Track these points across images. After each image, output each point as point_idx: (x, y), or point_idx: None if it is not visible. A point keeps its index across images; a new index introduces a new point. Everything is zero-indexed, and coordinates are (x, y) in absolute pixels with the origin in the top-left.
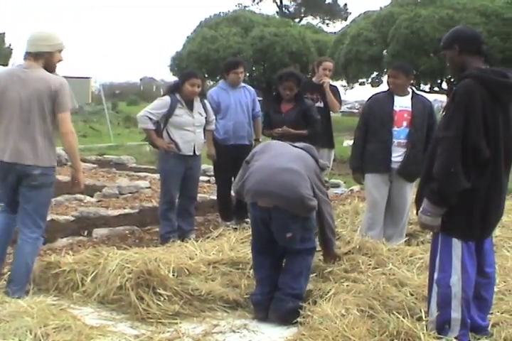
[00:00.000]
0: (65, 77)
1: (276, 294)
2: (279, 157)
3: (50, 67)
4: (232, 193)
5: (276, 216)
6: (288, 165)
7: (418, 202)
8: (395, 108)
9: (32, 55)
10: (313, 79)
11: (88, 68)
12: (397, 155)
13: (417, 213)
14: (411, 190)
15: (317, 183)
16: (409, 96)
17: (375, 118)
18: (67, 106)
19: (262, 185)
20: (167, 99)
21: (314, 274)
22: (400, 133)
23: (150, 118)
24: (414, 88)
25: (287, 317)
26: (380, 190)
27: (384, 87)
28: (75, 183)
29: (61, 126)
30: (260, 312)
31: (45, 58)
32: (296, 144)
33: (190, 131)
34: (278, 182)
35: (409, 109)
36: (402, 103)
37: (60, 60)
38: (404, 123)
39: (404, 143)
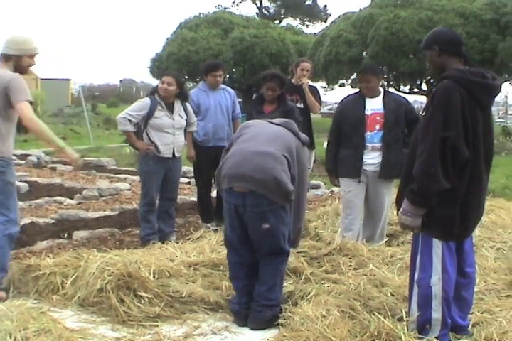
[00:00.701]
0: (45, 78)
1: (253, 305)
2: (254, 139)
3: (20, 70)
4: (213, 195)
5: (252, 202)
6: (262, 147)
7: (398, 202)
8: (366, 112)
9: (3, 57)
10: (292, 80)
11: (68, 70)
12: (372, 158)
13: (397, 214)
14: (388, 191)
15: (299, 159)
16: (381, 96)
17: (346, 123)
18: (22, 97)
19: (236, 169)
20: (147, 100)
21: (295, 276)
22: (374, 137)
23: (130, 120)
24: (393, 89)
25: (267, 326)
26: (354, 193)
27: None
28: (72, 162)
29: (21, 115)
30: (240, 321)
31: (14, 61)
32: (275, 120)
33: (170, 133)
34: (252, 165)
35: (382, 111)
36: (374, 105)
37: (30, 65)
38: (377, 127)
39: (378, 146)
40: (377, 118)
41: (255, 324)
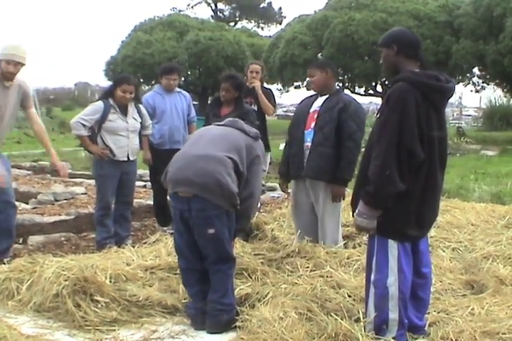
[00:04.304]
0: None
1: (209, 310)
2: (197, 143)
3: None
4: (169, 198)
5: (197, 206)
6: (205, 151)
7: (353, 204)
8: (310, 110)
9: None
10: (247, 83)
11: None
12: (305, 157)
13: (352, 215)
14: (325, 194)
15: (253, 154)
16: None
17: (292, 122)
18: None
19: (179, 173)
20: (100, 104)
21: (252, 278)
22: (307, 135)
23: (83, 125)
24: (349, 91)
25: (224, 329)
26: (296, 196)
27: None
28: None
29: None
30: (197, 324)
31: None
32: (222, 122)
33: (124, 136)
34: (194, 169)
35: (318, 109)
36: (319, 103)
37: (3, 71)
38: (312, 125)
39: (310, 145)
40: (315, 116)
41: (212, 328)
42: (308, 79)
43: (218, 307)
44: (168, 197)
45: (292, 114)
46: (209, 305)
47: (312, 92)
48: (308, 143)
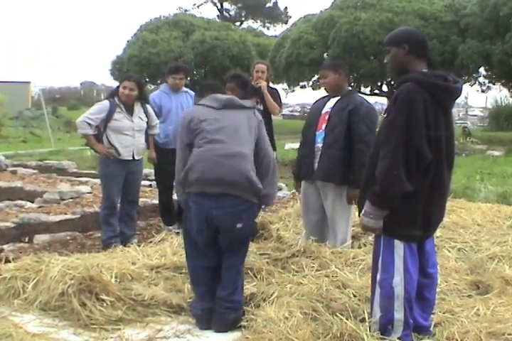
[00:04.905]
0: (4, 81)
1: (217, 308)
2: (219, 138)
3: None
4: (174, 197)
5: (227, 203)
6: (228, 149)
7: (360, 204)
8: (322, 111)
9: None
10: (252, 83)
11: (27, 73)
12: (316, 158)
13: (358, 215)
14: (335, 195)
15: (257, 128)
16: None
17: (305, 123)
18: None
19: (209, 174)
20: (106, 103)
21: (258, 278)
22: (318, 136)
23: (89, 124)
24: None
25: (230, 328)
26: (305, 197)
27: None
28: None
29: None
30: (203, 325)
31: None
32: (220, 104)
33: (130, 136)
34: (225, 169)
35: (330, 110)
36: (331, 104)
37: None
38: (323, 126)
39: (321, 147)
40: (326, 117)
41: (219, 326)
42: (313, 78)
43: (226, 305)
44: (173, 197)
45: (297, 114)
46: (217, 302)
47: (325, 93)
48: (319, 144)
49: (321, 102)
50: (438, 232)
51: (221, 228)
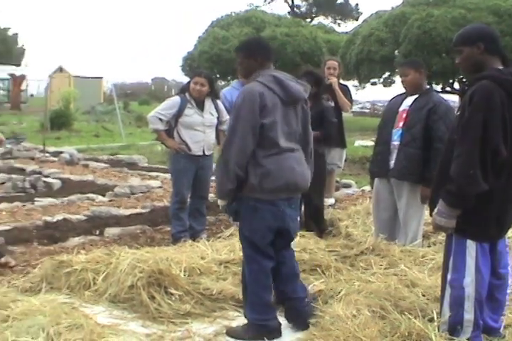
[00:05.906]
0: (78, 76)
1: (297, 305)
2: (287, 141)
3: None
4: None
5: (297, 202)
6: (300, 154)
7: (431, 203)
8: (399, 108)
9: None
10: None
11: (100, 68)
12: (391, 156)
13: (430, 214)
14: (410, 194)
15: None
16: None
17: (381, 120)
18: None
19: (293, 185)
20: (176, 99)
21: (326, 275)
22: (395, 134)
23: (160, 119)
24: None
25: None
26: (378, 194)
27: (396, 87)
28: None
29: None
30: (278, 336)
31: None
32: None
33: (200, 131)
34: (300, 176)
35: (407, 108)
36: (409, 102)
37: None
38: (401, 124)
39: (397, 145)
40: (404, 115)
41: (305, 322)
42: (384, 75)
43: (303, 295)
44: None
45: (367, 111)
46: (292, 297)
47: (396, 91)
48: (395, 142)
49: (398, 100)
50: (510, 232)
51: (291, 226)
